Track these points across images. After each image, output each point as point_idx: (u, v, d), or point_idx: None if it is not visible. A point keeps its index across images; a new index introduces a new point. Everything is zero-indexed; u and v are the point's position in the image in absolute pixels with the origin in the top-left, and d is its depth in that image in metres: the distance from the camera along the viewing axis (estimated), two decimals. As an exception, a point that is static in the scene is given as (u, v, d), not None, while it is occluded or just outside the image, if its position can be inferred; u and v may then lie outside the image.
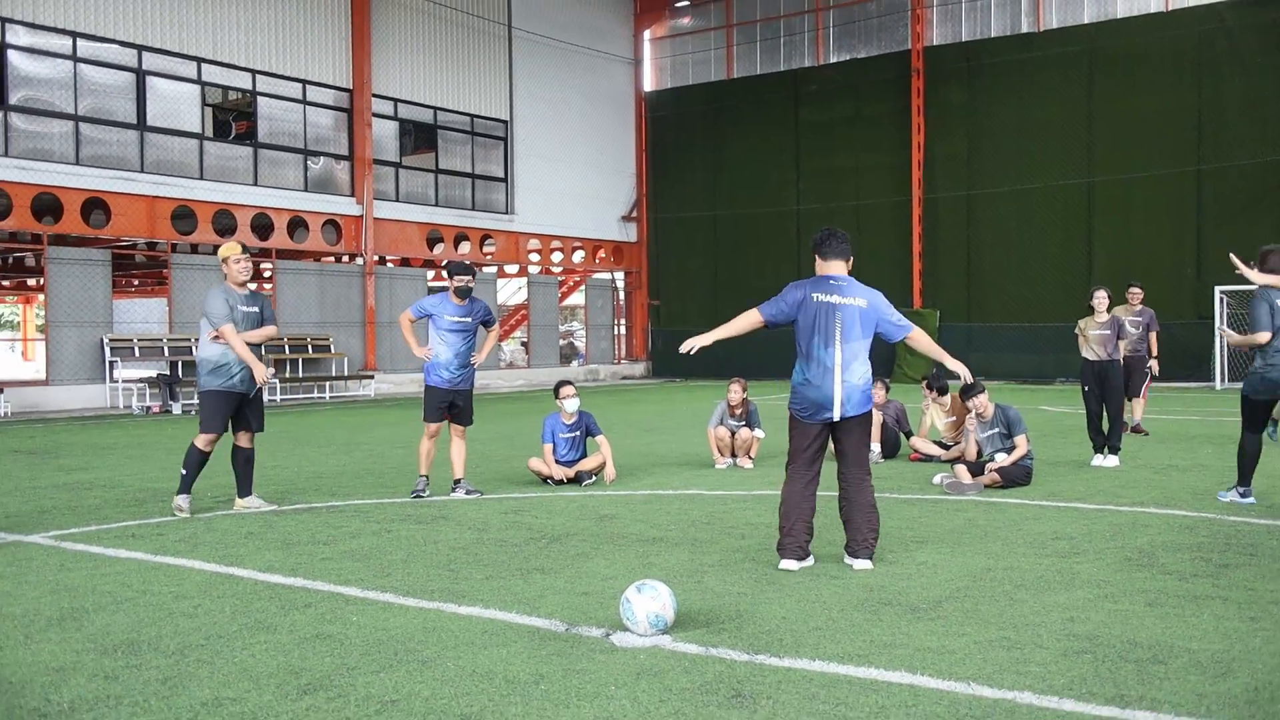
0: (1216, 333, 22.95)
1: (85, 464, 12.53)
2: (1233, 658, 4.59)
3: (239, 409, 8.76)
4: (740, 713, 4.01)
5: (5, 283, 39.44)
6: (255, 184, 25.70)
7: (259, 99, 25.86)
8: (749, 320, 6.59)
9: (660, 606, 5.00)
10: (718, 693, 4.23)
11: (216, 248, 25.43)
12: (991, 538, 7.37)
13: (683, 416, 19.03)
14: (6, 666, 4.66)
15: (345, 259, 28.46)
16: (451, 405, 9.46)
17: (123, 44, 23.13)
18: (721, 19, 35.68)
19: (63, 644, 4.99)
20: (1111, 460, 11.34)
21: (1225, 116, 26.97)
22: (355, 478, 11.06)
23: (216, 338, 8.51)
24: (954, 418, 11.77)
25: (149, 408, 21.64)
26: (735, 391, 11.78)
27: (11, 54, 21.51)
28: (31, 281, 37.89)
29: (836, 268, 6.66)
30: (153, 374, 23.44)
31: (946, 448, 11.67)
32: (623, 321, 37.68)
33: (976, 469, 9.92)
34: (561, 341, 38.03)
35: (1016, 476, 9.84)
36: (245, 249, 8.85)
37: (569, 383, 10.64)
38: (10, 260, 31.24)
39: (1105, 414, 11.53)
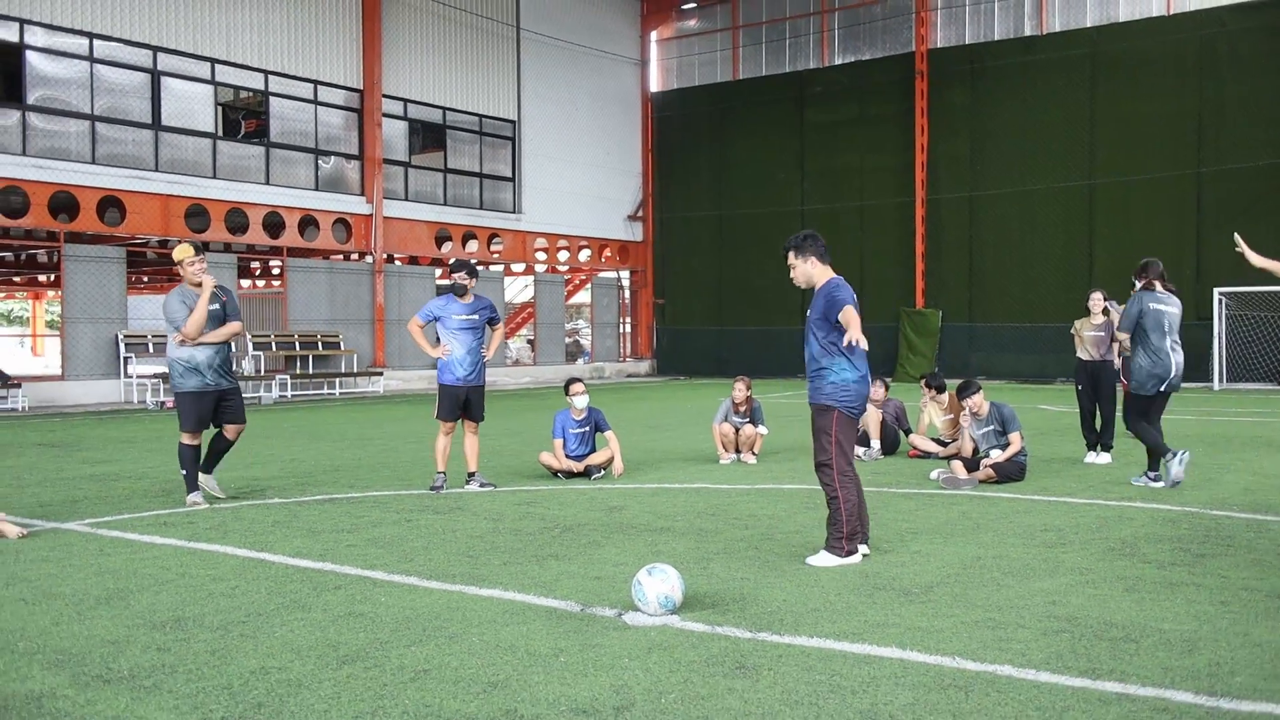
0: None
1: (108, 457, 12.93)
2: (1200, 637, 4.95)
3: (217, 406, 9.08)
4: (744, 682, 4.38)
5: (16, 279, 39.88)
6: (267, 183, 26.10)
7: (271, 99, 26.26)
8: None
9: (669, 588, 5.37)
10: (723, 665, 4.60)
11: (227, 246, 25.96)
12: (983, 529, 7.74)
13: (687, 413, 19.40)
14: (66, 639, 5.05)
15: (355, 257, 28.87)
16: (466, 402, 9.82)
17: (138, 45, 23.54)
18: (728, 20, 36.04)
19: (114, 620, 5.37)
20: (1104, 458, 11.70)
21: (1225, 120, 27.31)
22: (371, 470, 11.44)
23: (183, 341, 8.80)
24: (951, 415, 12.13)
25: (162, 403, 22.03)
26: (740, 389, 12.14)
27: (30, 55, 21.92)
28: (42, 278, 38.36)
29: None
30: (166, 370, 23.82)
31: (944, 444, 12.03)
32: (628, 320, 38.07)
33: (972, 465, 10.29)
34: (567, 339, 38.42)
35: (1010, 472, 10.20)
36: (199, 250, 9.04)
37: (579, 380, 11.00)
38: (24, 257, 31.68)
39: (1098, 413, 11.88)
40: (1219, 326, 26.05)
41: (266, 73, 26.04)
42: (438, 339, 9.79)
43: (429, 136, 30.77)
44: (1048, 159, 29.60)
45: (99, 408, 21.48)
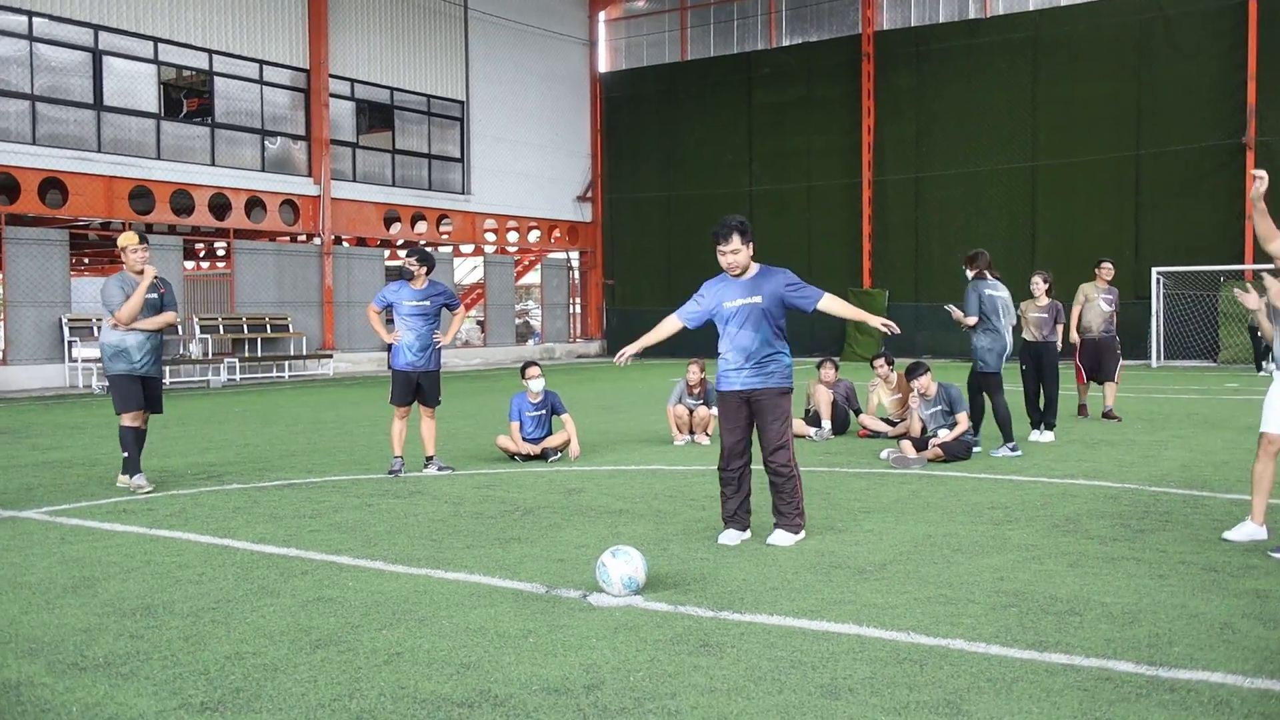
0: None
1: (58, 443, 12.84)
2: (1140, 609, 5.19)
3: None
4: (709, 659, 4.54)
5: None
6: (213, 164, 25.81)
7: (216, 79, 25.95)
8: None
9: (633, 570, 5.51)
10: (687, 643, 4.76)
11: (172, 228, 25.65)
12: (933, 508, 7.97)
13: (639, 394, 19.55)
14: (36, 628, 5.09)
15: (303, 239, 28.65)
16: (418, 387, 9.88)
17: (79, 23, 23.13)
18: (675, 1, 36.08)
19: (83, 608, 5.41)
20: (1047, 436, 12.02)
21: (1163, 103, 27.89)
22: (327, 455, 11.46)
23: (115, 325, 8.90)
24: (900, 395, 12.40)
25: (106, 386, 21.78)
26: (694, 371, 12.32)
27: (-34, 33, 21.48)
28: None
29: None
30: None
31: (893, 424, 12.29)
32: (578, 301, 38.13)
33: (920, 444, 10.54)
34: (517, 321, 38.40)
35: (957, 451, 10.47)
36: (144, 238, 9.14)
37: (535, 363, 11.12)
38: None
39: (1041, 392, 12.20)
40: (1156, 305, 26.66)
41: (211, 52, 25.71)
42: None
43: (376, 117, 30.56)
44: (991, 141, 30.06)
45: (44, 392, 21.19)
